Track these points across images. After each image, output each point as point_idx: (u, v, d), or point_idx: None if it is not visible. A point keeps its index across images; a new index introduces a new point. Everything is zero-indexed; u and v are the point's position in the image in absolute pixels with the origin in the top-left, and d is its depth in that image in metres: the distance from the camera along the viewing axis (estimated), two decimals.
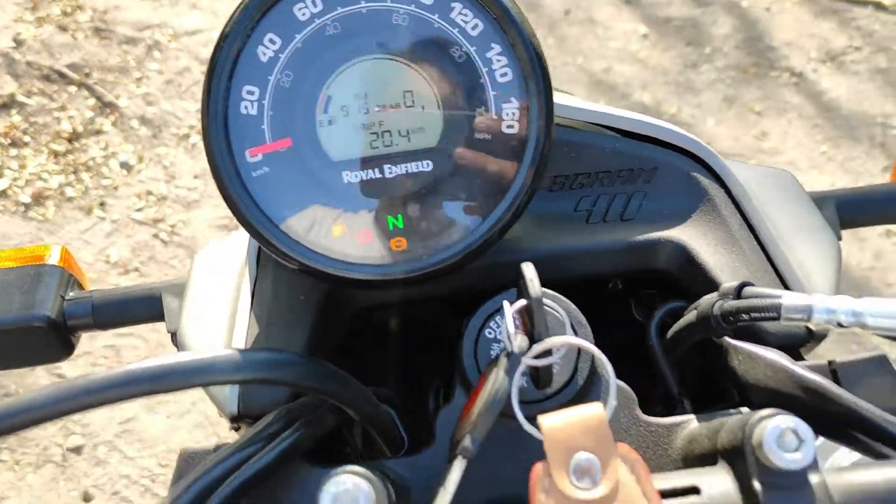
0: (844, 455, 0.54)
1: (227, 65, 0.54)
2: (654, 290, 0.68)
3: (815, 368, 0.56)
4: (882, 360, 0.55)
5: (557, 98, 0.65)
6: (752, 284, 0.55)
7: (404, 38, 0.56)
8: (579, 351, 0.55)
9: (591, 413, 0.44)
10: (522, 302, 0.48)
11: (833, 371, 0.56)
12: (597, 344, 0.71)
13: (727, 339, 0.57)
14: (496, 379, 0.45)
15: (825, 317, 0.49)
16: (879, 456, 0.49)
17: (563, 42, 3.45)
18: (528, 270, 0.49)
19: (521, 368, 0.46)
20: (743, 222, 0.62)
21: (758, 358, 0.55)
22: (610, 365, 0.48)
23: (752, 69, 3.47)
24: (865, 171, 3.21)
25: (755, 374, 0.55)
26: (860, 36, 3.56)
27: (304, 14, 0.55)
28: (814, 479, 0.42)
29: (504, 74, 0.56)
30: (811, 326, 0.49)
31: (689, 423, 0.54)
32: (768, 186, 0.67)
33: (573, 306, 0.56)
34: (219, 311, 0.64)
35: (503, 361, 0.46)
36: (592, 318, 0.74)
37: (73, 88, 2.86)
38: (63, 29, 3.01)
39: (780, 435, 0.43)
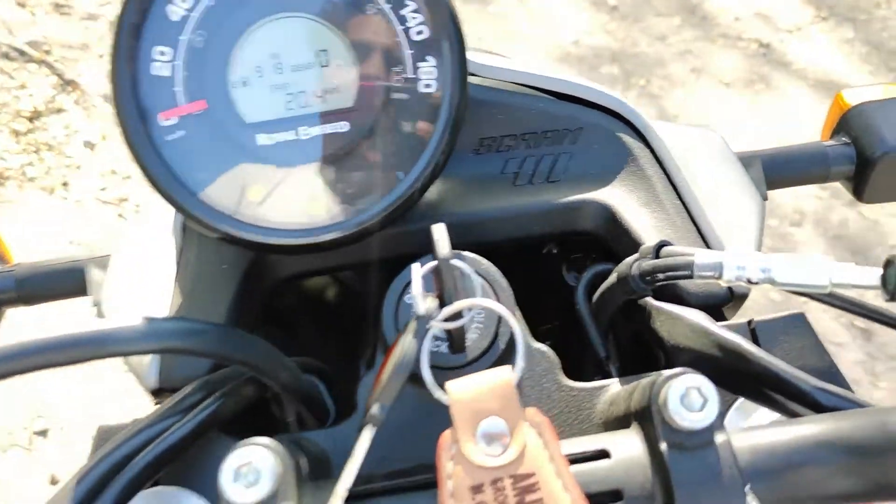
0: (765, 416, 0.54)
1: (134, 24, 0.53)
2: (584, 252, 0.67)
3: (735, 328, 0.56)
4: (799, 318, 0.55)
5: (481, 58, 0.64)
6: (671, 244, 0.55)
7: None
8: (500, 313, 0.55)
9: (499, 378, 0.43)
10: (432, 264, 0.48)
11: (752, 330, 0.56)
12: (529, 308, 0.71)
13: (650, 300, 0.57)
14: (404, 343, 0.44)
15: (736, 273, 0.49)
16: (794, 415, 0.49)
17: (531, 15, 3.43)
18: (438, 231, 0.48)
19: (432, 332, 0.46)
20: (667, 182, 0.62)
21: (678, 319, 0.55)
22: (519, 326, 0.48)
23: (720, 40, 3.47)
24: None
25: (676, 336, 0.55)
26: (826, 6, 3.56)
27: None
28: (719, 438, 0.41)
29: (420, 32, 0.56)
30: (722, 283, 0.49)
31: (612, 387, 0.54)
32: (695, 146, 0.67)
33: (494, 269, 0.56)
34: (142, 282, 0.63)
35: (412, 325, 0.45)
36: (527, 282, 0.74)
37: (33, 66, 2.81)
38: (21, 5, 2.95)
39: (684, 394, 0.42)
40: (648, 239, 0.60)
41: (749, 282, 0.49)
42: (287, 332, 0.75)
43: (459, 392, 0.42)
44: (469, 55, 0.63)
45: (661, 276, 0.52)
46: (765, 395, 0.50)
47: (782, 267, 0.48)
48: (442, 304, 0.47)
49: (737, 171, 0.66)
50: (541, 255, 0.71)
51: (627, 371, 0.63)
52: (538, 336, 0.74)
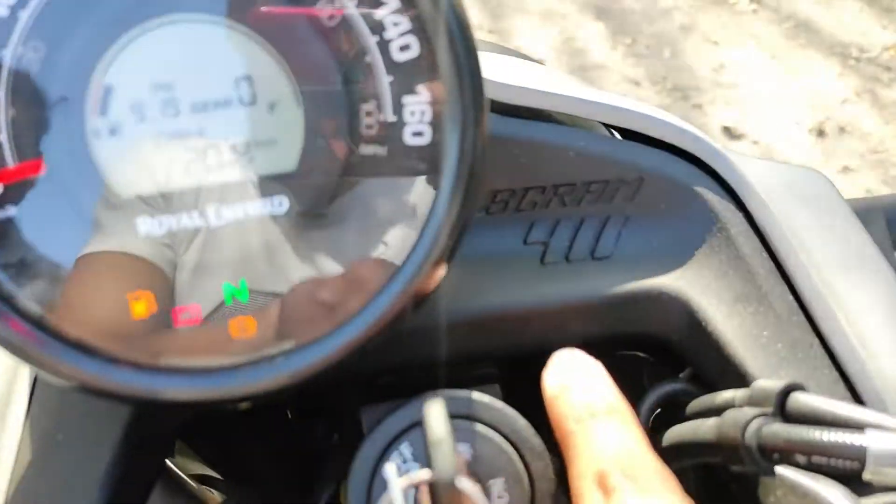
0: None
1: None
2: (646, 352, 0.47)
3: None
4: None
5: (495, 74, 0.42)
6: (802, 388, 0.35)
7: None
8: (534, 491, 0.35)
9: None
10: (416, 480, 0.28)
11: None
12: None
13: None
14: None
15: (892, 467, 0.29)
16: None
17: None
18: (433, 414, 0.28)
19: None
20: (773, 267, 0.41)
21: (808, 496, 0.35)
22: None
23: None
24: (824, 102, 3.06)
25: None
26: None
27: None
28: None
29: (405, 47, 0.34)
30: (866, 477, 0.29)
31: None
32: (797, 199, 0.46)
33: (522, 423, 0.36)
34: None
35: None
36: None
37: None
38: None
39: None
40: (749, 358, 0.39)
41: None
42: (221, 450, 0.54)
43: None
44: None
45: (801, 459, 0.32)
46: None
47: None
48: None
49: (856, 232, 0.45)
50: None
51: None
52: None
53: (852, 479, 0.37)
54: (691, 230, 0.43)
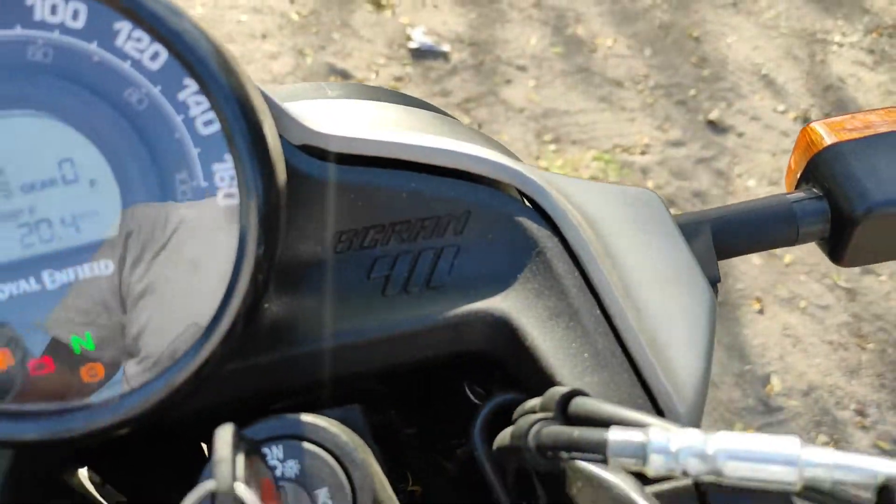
0: None
1: None
2: (487, 368, 0.52)
3: (674, 497, 0.41)
4: None
5: (328, 124, 0.47)
6: (583, 394, 0.39)
7: (48, 83, 0.37)
8: (355, 498, 0.40)
9: None
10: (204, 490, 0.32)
11: (702, 494, 0.41)
12: (427, 426, 0.56)
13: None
14: None
15: (664, 463, 0.33)
16: None
17: None
18: (221, 442, 0.32)
19: None
20: (583, 284, 0.46)
21: (602, 486, 0.39)
22: None
23: None
24: (808, 90, 3.08)
25: None
26: None
27: None
28: None
29: (209, 122, 0.39)
30: (649, 473, 0.34)
31: None
32: (621, 218, 0.50)
33: (343, 439, 0.40)
34: None
35: None
36: (427, 393, 0.58)
37: None
38: None
39: None
40: (559, 368, 0.44)
41: (684, 474, 0.34)
42: (116, 467, 0.59)
43: None
44: (308, 117, 0.47)
45: (564, 455, 0.37)
46: None
47: (728, 454, 0.33)
48: None
49: (678, 249, 0.50)
50: (440, 367, 0.55)
51: None
52: (449, 449, 0.59)
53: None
54: (514, 256, 0.48)
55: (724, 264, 2.61)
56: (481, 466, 0.47)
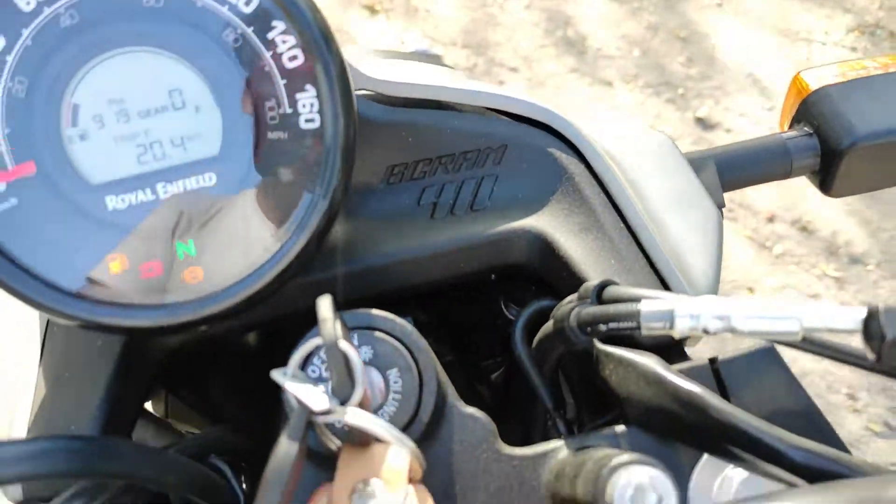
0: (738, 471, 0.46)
1: None
2: (525, 284, 0.59)
3: (695, 370, 0.48)
4: (769, 353, 0.47)
5: (381, 71, 0.54)
6: (615, 283, 0.46)
7: (161, 23, 0.44)
8: (422, 380, 0.47)
9: (394, 448, 0.40)
10: (312, 345, 0.39)
11: (716, 370, 0.48)
12: (472, 344, 0.62)
13: (597, 342, 0.49)
14: (279, 448, 0.36)
15: (689, 324, 0.40)
16: (767, 475, 0.41)
17: None
18: (323, 308, 0.39)
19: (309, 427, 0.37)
20: (608, 203, 0.53)
21: (630, 365, 0.46)
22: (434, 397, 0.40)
23: None
24: None
25: (629, 385, 0.47)
26: None
27: (28, 3, 0.44)
28: None
29: (294, 58, 0.46)
30: (675, 335, 0.41)
31: (559, 452, 0.46)
32: (639, 154, 0.58)
33: (409, 328, 0.47)
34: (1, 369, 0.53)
35: (289, 425, 0.37)
36: (467, 316, 0.65)
37: None
38: None
39: (634, 493, 0.35)
40: (589, 271, 0.51)
41: (706, 332, 0.41)
42: (198, 393, 0.66)
43: (350, 450, 0.40)
44: (365, 68, 0.54)
45: (602, 327, 0.44)
46: (731, 453, 0.42)
47: (744, 313, 0.40)
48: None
49: (688, 179, 0.57)
50: (479, 288, 0.62)
51: (584, 420, 0.54)
52: (483, 374, 0.66)
53: (666, 347, 0.49)
54: (547, 182, 0.55)
55: None
56: (522, 364, 0.53)
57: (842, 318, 0.36)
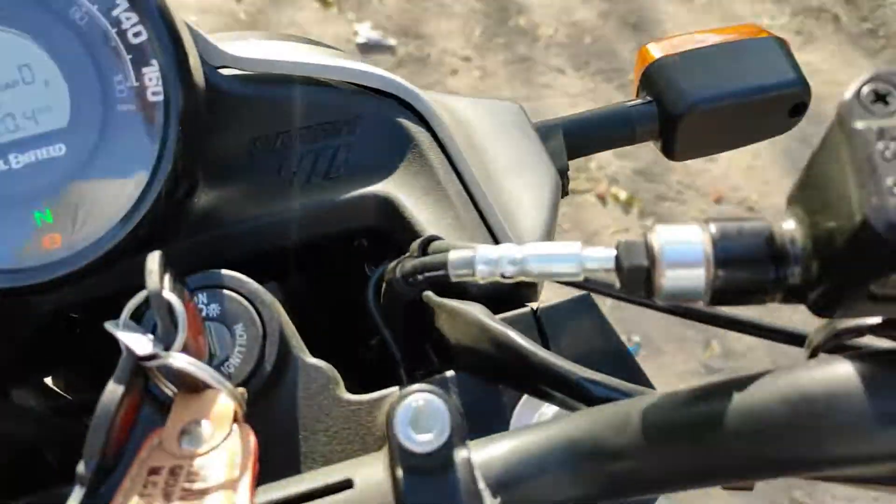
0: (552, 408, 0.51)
1: None
2: (385, 248, 0.63)
3: (518, 318, 0.52)
4: (584, 300, 0.52)
5: (241, 48, 0.58)
6: (438, 238, 0.51)
7: (8, 3, 0.48)
8: (265, 332, 0.51)
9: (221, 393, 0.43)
10: (140, 297, 0.43)
11: (538, 318, 0.53)
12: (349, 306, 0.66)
13: (431, 296, 0.53)
14: (104, 395, 0.40)
15: (488, 269, 0.45)
16: (572, 409, 0.46)
17: None
18: (151, 261, 0.43)
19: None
20: (450, 167, 0.58)
21: (458, 314, 0.51)
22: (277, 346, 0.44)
23: None
24: None
25: (457, 333, 0.51)
26: None
27: None
28: (459, 456, 0.38)
29: (138, 34, 0.50)
30: (479, 280, 0.45)
31: (392, 397, 0.51)
32: (488, 122, 0.62)
33: (254, 286, 0.51)
34: None
35: (119, 368, 0.41)
36: (342, 279, 0.69)
37: None
38: None
39: (413, 416, 0.39)
40: (429, 229, 0.56)
41: (503, 276, 0.45)
42: (89, 364, 0.69)
43: (184, 395, 0.43)
44: (228, 46, 0.58)
45: (419, 277, 0.48)
46: (542, 391, 0.47)
47: (533, 258, 0.44)
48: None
49: (533, 145, 0.62)
50: (350, 253, 0.67)
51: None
52: (363, 335, 0.70)
53: (495, 299, 0.54)
54: (396, 150, 0.59)
55: None
56: (373, 318, 0.58)
57: (607, 256, 0.41)
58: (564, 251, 0.43)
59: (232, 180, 0.59)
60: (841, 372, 0.32)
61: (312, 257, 0.63)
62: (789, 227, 0.34)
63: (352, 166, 0.59)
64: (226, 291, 0.51)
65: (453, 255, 0.46)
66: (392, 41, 3.20)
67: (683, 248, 0.35)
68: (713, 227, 0.35)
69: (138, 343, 0.42)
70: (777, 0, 3.56)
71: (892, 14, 3.56)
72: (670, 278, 0.35)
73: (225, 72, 0.58)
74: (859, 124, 0.30)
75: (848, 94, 0.31)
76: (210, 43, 0.57)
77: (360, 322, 0.70)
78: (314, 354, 0.52)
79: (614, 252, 0.41)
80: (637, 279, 0.37)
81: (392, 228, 0.58)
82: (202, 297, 0.51)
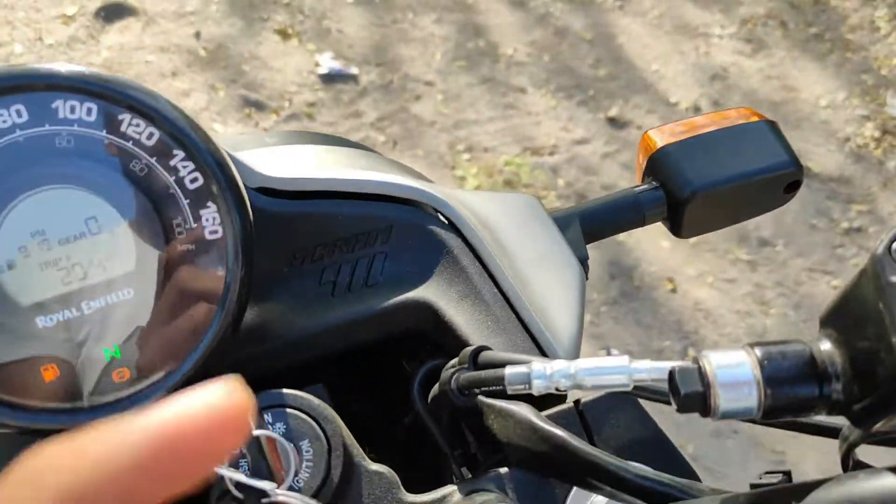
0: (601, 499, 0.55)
1: None
2: (420, 343, 0.67)
3: (562, 414, 0.57)
4: (623, 394, 0.56)
5: (277, 169, 0.62)
6: (487, 348, 0.55)
7: (74, 162, 0.51)
8: (330, 447, 0.54)
9: None
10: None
11: (580, 412, 0.57)
12: (386, 401, 0.70)
13: (480, 397, 0.57)
14: None
15: (543, 384, 0.49)
16: (622, 500, 0.50)
17: None
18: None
19: None
20: (482, 271, 0.62)
21: (508, 415, 0.55)
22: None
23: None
24: (696, 81, 3.33)
25: (508, 432, 0.55)
26: None
27: None
28: None
29: (194, 180, 0.53)
30: (534, 393, 0.49)
31: (452, 496, 0.54)
32: (509, 218, 0.66)
33: (316, 402, 0.55)
34: None
35: None
36: (379, 375, 0.73)
37: None
38: None
39: None
40: (470, 334, 0.59)
41: (558, 390, 0.49)
42: None
43: None
44: (260, 166, 0.61)
45: (476, 391, 0.52)
46: (592, 485, 0.51)
47: (585, 371, 0.48)
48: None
49: (553, 236, 0.66)
50: (383, 347, 0.70)
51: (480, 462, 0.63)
52: (397, 419, 0.73)
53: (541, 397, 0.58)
54: (430, 256, 0.63)
55: (635, 252, 2.81)
56: (420, 418, 0.62)
57: (657, 371, 0.45)
58: (614, 364, 0.48)
59: (274, 294, 0.62)
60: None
61: (353, 360, 0.66)
62: (826, 347, 0.39)
63: (389, 274, 0.63)
64: (289, 410, 0.54)
65: (510, 371, 0.50)
66: (354, 70, 3.23)
67: (735, 371, 0.40)
68: (758, 351, 0.39)
69: (258, 484, 0.45)
70: (726, 10, 3.66)
71: (836, 17, 3.69)
72: (726, 400, 0.40)
73: (260, 193, 0.62)
74: (894, 278, 0.35)
75: (879, 248, 0.36)
76: (246, 166, 0.60)
77: (398, 412, 0.73)
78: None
79: (659, 364, 0.45)
80: (694, 402, 0.41)
81: (433, 332, 0.62)
82: (267, 417, 0.54)
